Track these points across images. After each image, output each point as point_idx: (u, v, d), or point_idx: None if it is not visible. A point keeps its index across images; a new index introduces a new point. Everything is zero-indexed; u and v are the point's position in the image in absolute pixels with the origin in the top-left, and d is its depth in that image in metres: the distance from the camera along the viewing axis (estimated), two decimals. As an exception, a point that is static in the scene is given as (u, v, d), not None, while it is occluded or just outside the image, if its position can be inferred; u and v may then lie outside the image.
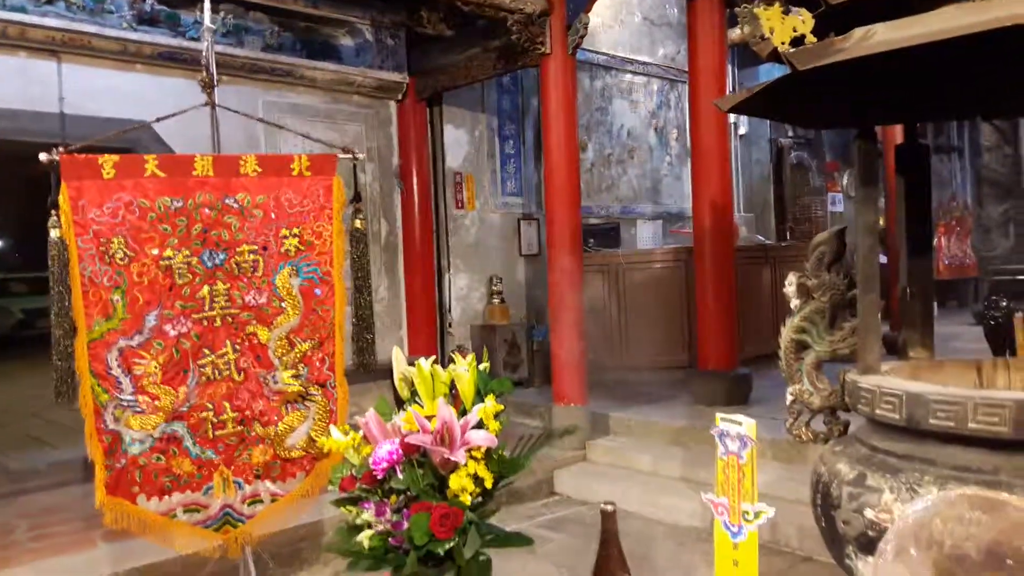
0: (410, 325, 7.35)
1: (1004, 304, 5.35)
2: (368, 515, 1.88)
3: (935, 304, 3.37)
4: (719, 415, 1.48)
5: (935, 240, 10.07)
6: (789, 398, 2.69)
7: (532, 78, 7.42)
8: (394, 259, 7.43)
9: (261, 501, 2.94)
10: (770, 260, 7.73)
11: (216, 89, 3.04)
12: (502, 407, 1.96)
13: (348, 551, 1.90)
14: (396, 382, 2.16)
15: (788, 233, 10.31)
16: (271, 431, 2.92)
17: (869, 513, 2.18)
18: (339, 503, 2.04)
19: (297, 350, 2.96)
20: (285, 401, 2.94)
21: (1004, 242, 7.76)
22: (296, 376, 2.94)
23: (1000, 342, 4.98)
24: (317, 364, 2.99)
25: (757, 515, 1.45)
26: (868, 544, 2.03)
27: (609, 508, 1.55)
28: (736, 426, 1.44)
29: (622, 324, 7.27)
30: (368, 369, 3.28)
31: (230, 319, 2.91)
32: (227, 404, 2.88)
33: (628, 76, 9.07)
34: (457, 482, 1.81)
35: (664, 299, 7.16)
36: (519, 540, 1.95)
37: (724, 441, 1.46)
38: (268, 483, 2.94)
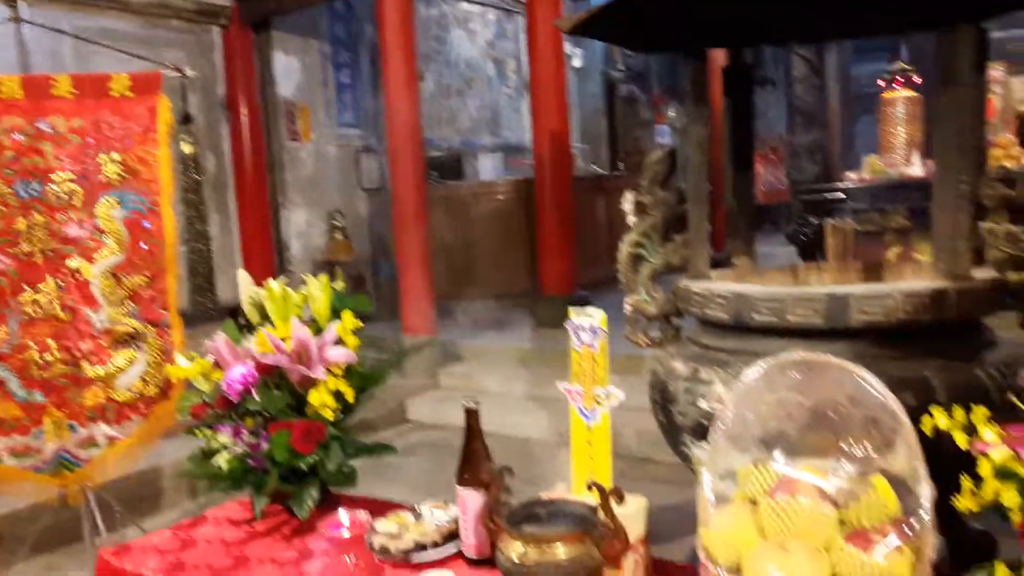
0: (247, 265, 7.08)
1: (814, 221, 5.86)
2: (224, 438, 1.84)
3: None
4: (571, 309, 1.55)
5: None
6: (628, 308, 2.85)
7: (367, 3, 7.17)
8: (224, 196, 7.09)
9: (98, 445, 2.79)
10: (604, 190, 8.01)
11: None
12: (360, 323, 1.96)
13: (206, 474, 1.86)
14: (244, 306, 2.09)
15: (620, 164, 10.71)
16: (101, 372, 2.76)
17: (702, 404, 2.38)
18: (191, 430, 1.98)
19: (125, 287, 2.79)
20: (115, 341, 2.78)
21: (813, 167, 8.47)
22: (125, 314, 2.78)
23: (811, 256, 5.46)
24: (148, 302, 2.83)
25: (609, 397, 1.55)
26: (702, 432, 2.22)
27: (473, 405, 1.60)
28: (589, 318, 1.52)
29: (467, 256, 7.34)
30: (207, 309, 3.15)
31: (51, 253, 2.70)
32: (53, 344, 2.70)
33: (465, 5, 8.97)
34: (318, 398, 1.81)
35: (507, 230, 7.28)
36: (383, 449, 1.98)
37: (578, 334, 1.54)
38: (104, 426, 2.80)
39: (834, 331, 2.07)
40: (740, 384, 1.31)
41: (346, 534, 1.40)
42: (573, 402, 1.58)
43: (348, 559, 1.39)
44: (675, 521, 2.19)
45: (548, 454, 4.30)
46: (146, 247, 2.82)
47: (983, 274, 2.12)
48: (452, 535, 1.68)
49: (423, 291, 6.05)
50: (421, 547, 1.64)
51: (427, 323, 6.10)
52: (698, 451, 2.32)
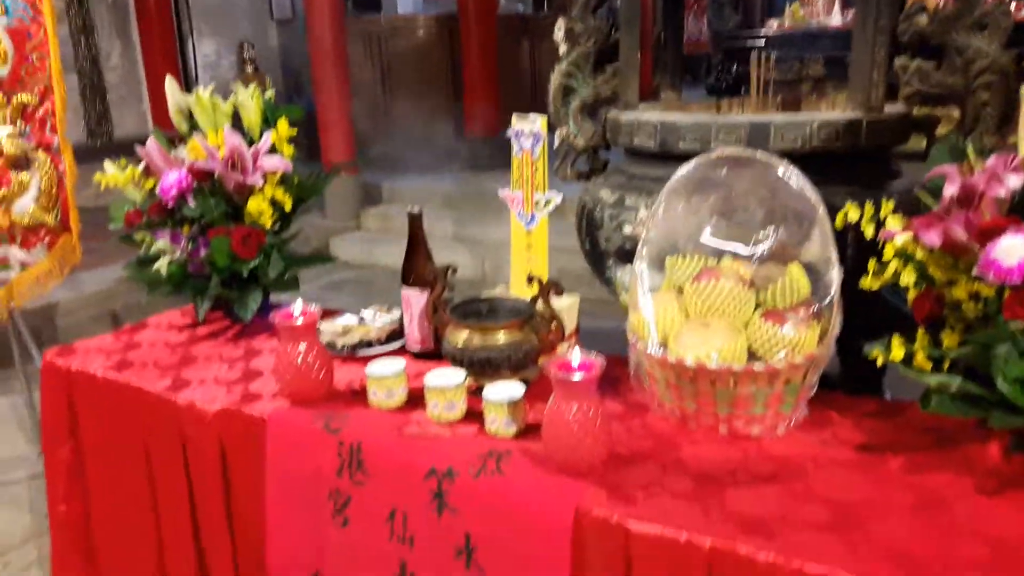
0: (152, 96, 6.71)
1: (735, 69, 5.93)
2: (163, 243, 1.85)
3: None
4: (514, 115, 1.59)
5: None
6: (557, 141, 2.90)
7: None
8: (125, 20, 6.61)
9: (10, 267, 2.74)
10: (528, 32, 7.82)
11: None
12: (295, 131, 1.95)
13: (147, 279, 1.87)
14: (172, 116, 2.04)
15: (545, 4, 10.38)
16: (2, 192, 2.66)
17: (627, 228, 2.50)
18: (126, 239, 1.97)
19: (15, 104, 2.65)
20: (10, 164, 2.66)
21: (734, 16, 8.44)
22: (19, 135, 2.65)
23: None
24: (39, 124, 2.70)
25: (548, 203, 1.62)
26: (626, 255, 2.35)
27: (415, 210, 1.66)
28: (530, 124, 1.56)
29: (388, 95, 7.15)
30: (103, 141, 3.00)
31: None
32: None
33: None
34: (255, 205, 1.82)
35: (428, 68, 7.08)
36: (320, 260, 2.03)
37: (519, 140, 1.59)
38: (15, 248, 2.73)
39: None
40: (673, 180, 1.40)
41: (299, 322, 1.47)
42: (513, 208, 1.65)
43: (300, 349, 1.46)
44: (600, 345, 2.36)
45: (471, 290, 4.43)
46: (32, 60, 2.64)
47: (894, 109, 2.25)
48: (395, 334, 1.78)
49: (343, 127, 5.91)
50: (367, 343, 1.74)
51: (348, 161, 6.00)
52: (621, 274, 2.46)
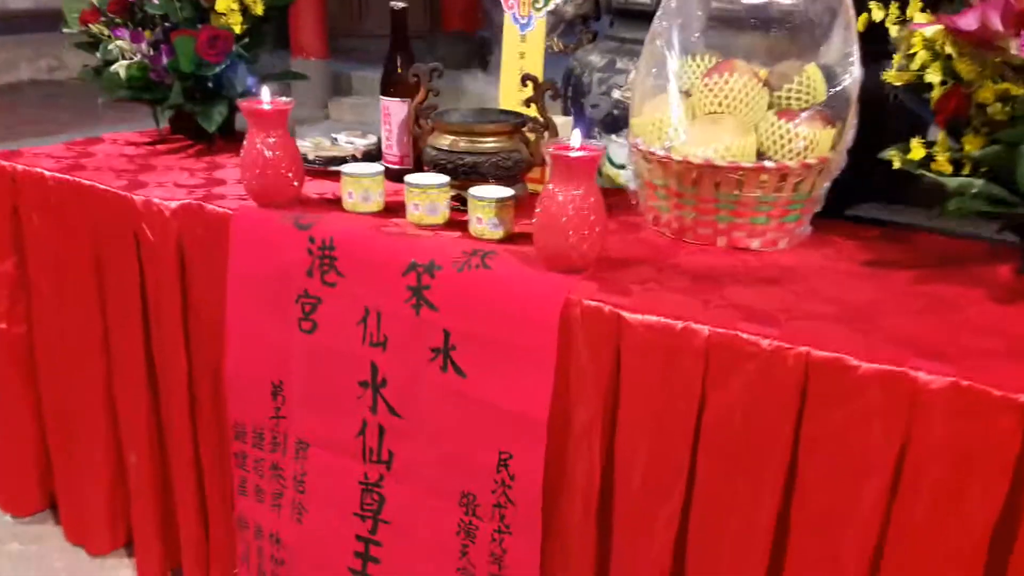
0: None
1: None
2: (123, 43, 1.69)
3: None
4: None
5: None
6: (544, 13, 2.75)
7: None
8: None
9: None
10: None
11: None
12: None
13: (104, 82, 1.72)
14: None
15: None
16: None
17: (616, 93, 2.38)
18: (81, 45, 1.81)
19: None
20: None
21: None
22: None
23: None
24: None
25: (547, 3, 1.51)
26: (612, 123, 2.24)
27: (399, 5, 1.53)
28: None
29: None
30: None
31: None
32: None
33: None
34: (224, 4, 1.67)
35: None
36: (292, 75, 1.89)
37: (519, -65, 1.46)
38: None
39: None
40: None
41: (267, 107, 1.34)
42: (508, 10, 1.53)
43: (270, 140, 1.34)
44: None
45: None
46: None
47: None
48: (372, 156, 1.66)
49: (313, 9, 5.64)
50: (341, 160, 1.62)
51: (319, 47, 5.76)
52: (607, 143, 2.36)
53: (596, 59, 2.49)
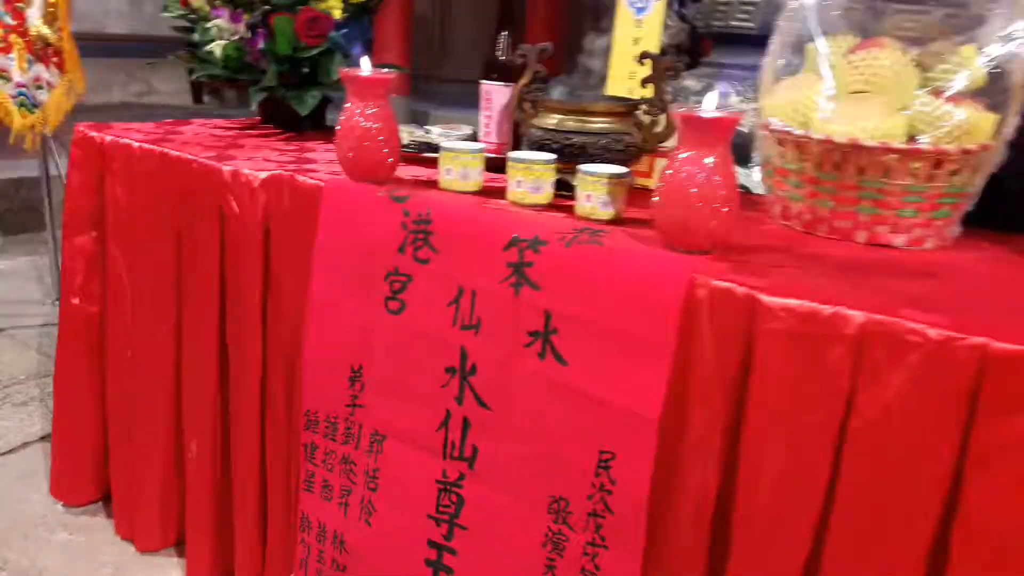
0: None
1: None
2: (222, 22, 1.66)
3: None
4: None
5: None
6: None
7: None
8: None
9: (43, 87, 2.57)
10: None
11: None
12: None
13: (199, 60, 1.69)
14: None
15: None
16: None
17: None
18: (179, 28, 1.79)
19: None
20: None
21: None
22: None
23: None
24: None
25: (668, -18, 1.42)
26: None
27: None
28: None
29: (443, 28, 6.94)
30: None
31: None
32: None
33: None
34: (327, -12, 1.63)
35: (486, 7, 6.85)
36: (393, 66, 1.83)
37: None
38: (42, 68, 2.56)
39: None
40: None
41: (369, 74, 1.27)
42: (625, -4, 1.44)
43: (369, 111, 1.26)
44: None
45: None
46: None
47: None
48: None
49: (397, 50, 5.72)
50: (436, 148, 1.54)
51: (400, 85, 5.81)
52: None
53: (692, 84, 2.40)
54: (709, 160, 0.99)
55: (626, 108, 1.29)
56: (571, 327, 1.07)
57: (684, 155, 1.00)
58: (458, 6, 6.95)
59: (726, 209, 1.00)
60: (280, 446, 1.43)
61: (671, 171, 1.01)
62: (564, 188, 1.27)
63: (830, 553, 0.92)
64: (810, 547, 0.94)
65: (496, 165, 1.36)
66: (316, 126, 1.82)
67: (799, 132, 1.10)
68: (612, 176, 1.15)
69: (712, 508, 1.00)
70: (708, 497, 1.00)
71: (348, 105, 1.29)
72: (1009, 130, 1.08)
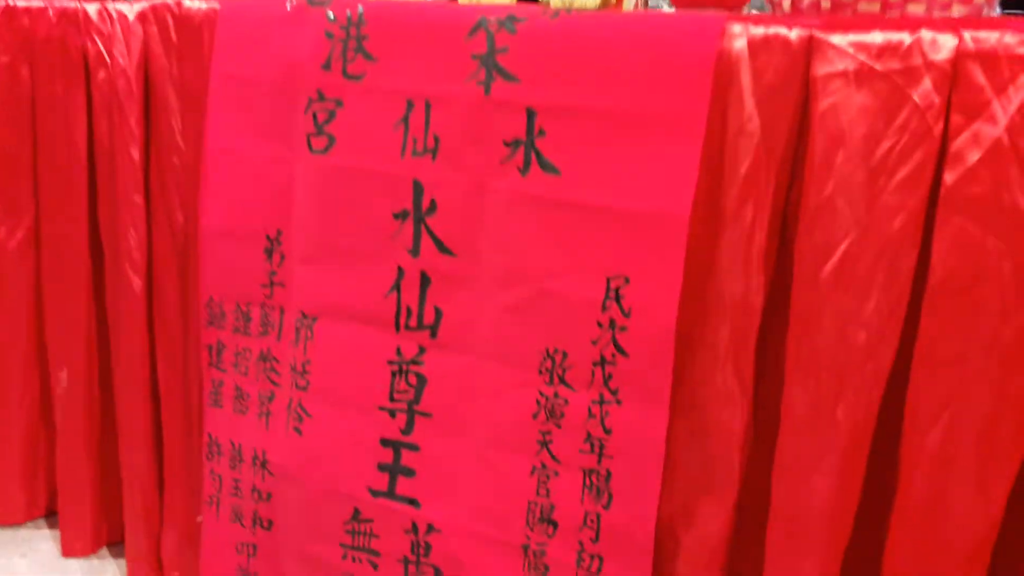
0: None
1: None
2: None
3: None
4: None
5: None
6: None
7: None
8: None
9: None
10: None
11: None
12: None
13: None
14: None
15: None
16: None
17: None
18: None
19: None
20: None
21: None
22: None
23: None
24: None
25: None
26: None
27: None
28: None
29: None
30: None
31: None
32: None
33: None
34: None
35: None
36: None
37: None
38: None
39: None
40: None
41: None
42: None
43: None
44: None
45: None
46: None
47: None
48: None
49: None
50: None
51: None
52: None
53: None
54: None
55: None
56: (562, 124, 0.82)
57: None
58: None
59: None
60: (175, 357, 1.13)
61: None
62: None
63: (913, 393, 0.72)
64: (883, 388, 0.73)
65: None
66: None
67: None
68: (595, -48, 0.92)
69: (756, 333, 0.78)
70: (752, 318, 0.78)
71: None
72: None
